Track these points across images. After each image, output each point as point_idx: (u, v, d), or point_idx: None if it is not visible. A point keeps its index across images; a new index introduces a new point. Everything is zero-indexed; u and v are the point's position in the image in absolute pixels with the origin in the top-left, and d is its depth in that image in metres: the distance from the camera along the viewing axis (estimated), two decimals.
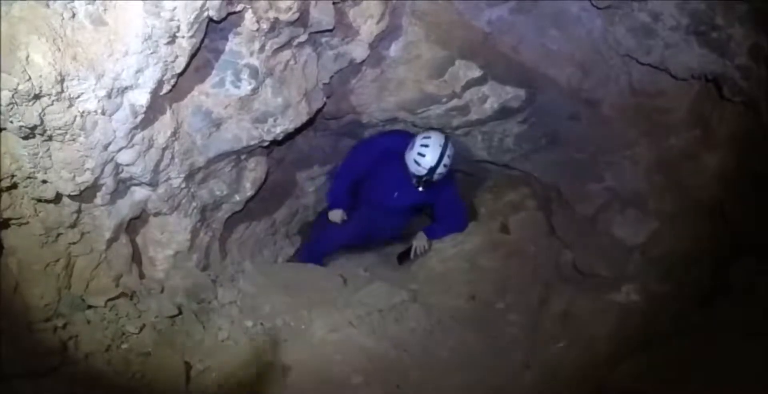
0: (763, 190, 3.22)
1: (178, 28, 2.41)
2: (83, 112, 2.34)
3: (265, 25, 2.80)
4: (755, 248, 3.36)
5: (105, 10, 2.24)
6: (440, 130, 4.21)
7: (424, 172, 4.16)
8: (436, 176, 4.19)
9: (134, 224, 3.11)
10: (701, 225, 3.49)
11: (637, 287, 3.32)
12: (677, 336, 3.17)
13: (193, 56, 2.64)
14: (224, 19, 2.65)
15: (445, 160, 4.14)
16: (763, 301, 3.15)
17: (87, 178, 2.54)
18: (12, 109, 2.10)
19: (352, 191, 4.65)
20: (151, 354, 2.77)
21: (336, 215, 4.56)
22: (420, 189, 4.29)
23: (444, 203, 4.56)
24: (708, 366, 2.65)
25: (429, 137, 4.16)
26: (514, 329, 3.41)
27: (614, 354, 2.85)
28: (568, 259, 3.83)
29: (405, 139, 4.32)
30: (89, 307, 2.74)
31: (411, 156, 4.20)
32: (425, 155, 4.12)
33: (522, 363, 3.06)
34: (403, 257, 4.56)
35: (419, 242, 4.44)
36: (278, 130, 3.25)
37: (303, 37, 3.10)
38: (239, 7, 2.68)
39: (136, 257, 3.14)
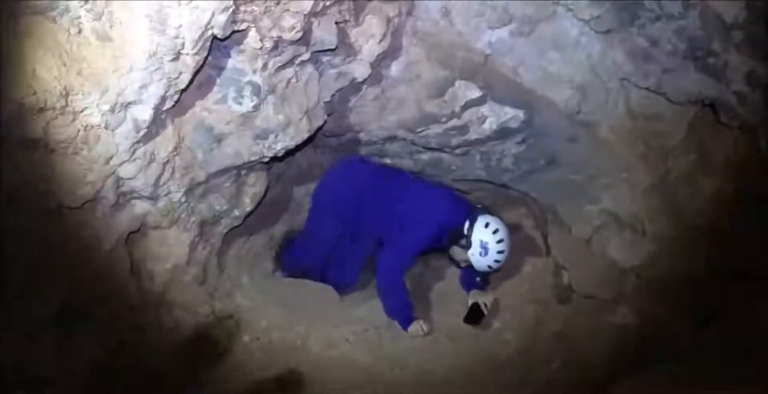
0: (760, 215, 3.24)
1: (183, 45, 2.44)
2: (86, 126, 2.37)
3: (268, 44, 2.84)
4: (753, 272, 3.38)
5: (111, 26, 2.28)
6: (485, 208, 3.81)
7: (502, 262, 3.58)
8: None
9: (133, 237, 3.12)
10: (697, 248, 3.50)
11: (633, 309, 3.32)
12: (673, 358, 3.17)
13: (196, 73, 2.68)
14: (228, 37, 2.69)
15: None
16: (761, 325, 3.15)
17: (88, 191, 2.56)
18: (16, 121, 2.13)
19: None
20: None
21: (419, 328, 3.59)
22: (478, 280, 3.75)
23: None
24: (704, 389, 2.65)
25: (497, 231, 3.54)
26: (509, 348, 3.41)
27: (609, 375, 2.84)
28: (564, 280, 3.84)
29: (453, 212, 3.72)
30: (88, 318, 2.74)
31: (487, 260, 3.54)
32: (504, 251, 3.54)
33: (517, 382, 3.06)
34: (475, 317, 3.68)
35: (480, 297, 3.73)
36: (279, 146, 3.28)
37: (305, 56, 3.14)
38: (243, 26, 2.72)
39: (135, 271, 3.14)
